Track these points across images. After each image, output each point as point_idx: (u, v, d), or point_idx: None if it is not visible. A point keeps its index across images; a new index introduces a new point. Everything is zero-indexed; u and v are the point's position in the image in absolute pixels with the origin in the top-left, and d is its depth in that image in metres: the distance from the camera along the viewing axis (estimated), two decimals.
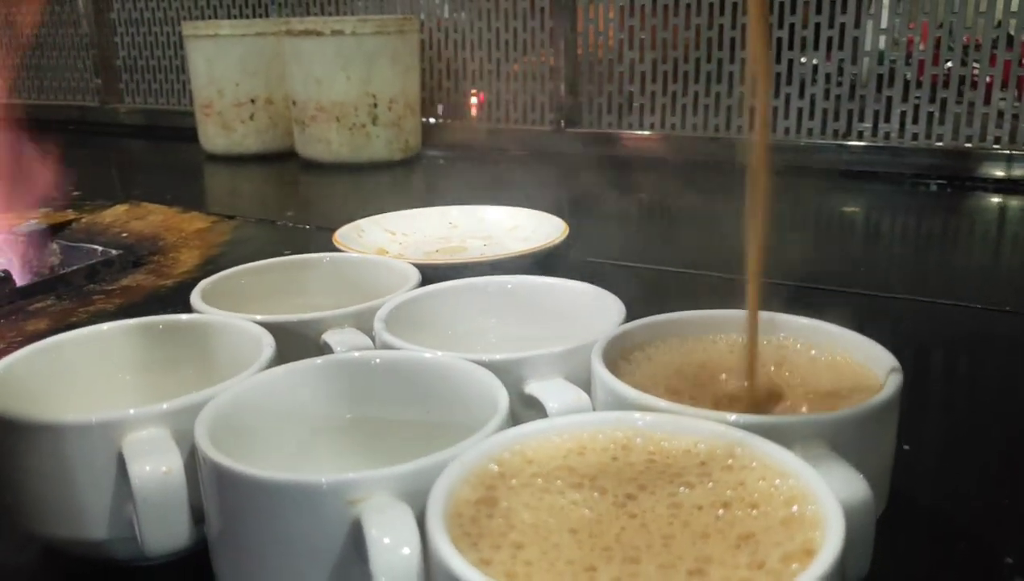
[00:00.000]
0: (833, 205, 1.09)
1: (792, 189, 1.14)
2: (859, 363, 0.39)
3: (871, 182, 1.14)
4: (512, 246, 0.80)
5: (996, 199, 1.05)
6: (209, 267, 0.82)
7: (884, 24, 1.12)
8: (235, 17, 1.63)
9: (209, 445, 0.32)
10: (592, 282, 0.50)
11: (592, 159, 1.31)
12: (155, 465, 0.34)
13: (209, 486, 0.32)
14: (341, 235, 0.79)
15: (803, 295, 0.72)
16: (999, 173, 1.08)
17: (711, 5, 1.21)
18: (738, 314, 0.43)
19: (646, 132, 1.30)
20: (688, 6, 1.22)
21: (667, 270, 0.80)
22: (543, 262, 0.74)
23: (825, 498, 0.27)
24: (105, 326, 0.44)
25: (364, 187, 1.22)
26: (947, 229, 1.00)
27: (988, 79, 1.08)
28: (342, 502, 0.30)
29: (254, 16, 1.61)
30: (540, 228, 0.83)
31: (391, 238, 0.84)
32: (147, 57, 1.77)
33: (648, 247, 0.92)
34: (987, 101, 1.08)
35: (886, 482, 0.36)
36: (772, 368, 0.40)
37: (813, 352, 0.41)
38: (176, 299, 0.74)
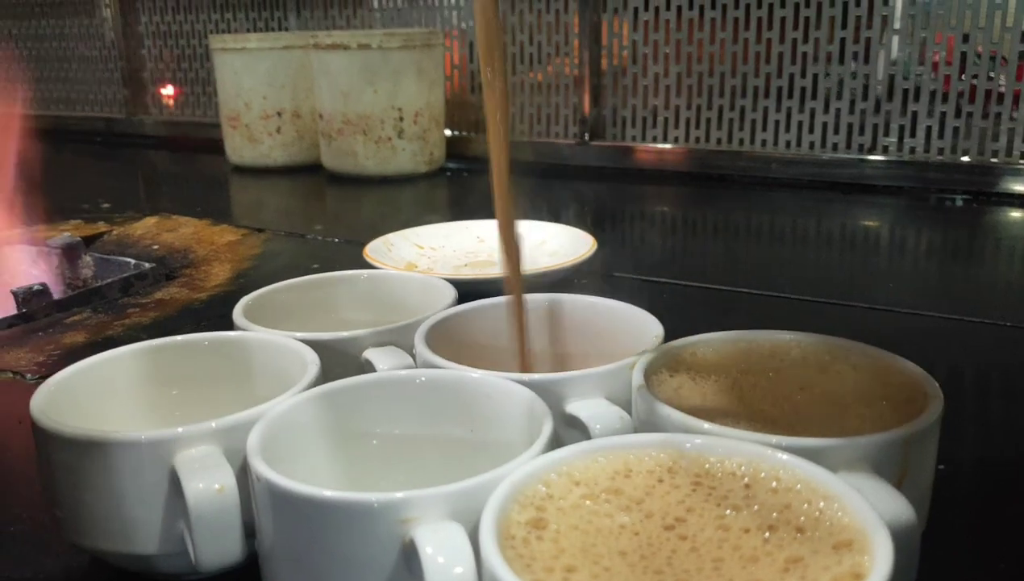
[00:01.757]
0: (857, 220, 1.10)
1: (816, 203, 1.15)
2: (894, 382, 0.39)
3: (896, 197, 1.14)
4: (540, 261, 0.81)
5: (1022, 214, 1.05)
6: (241, 280, 0.83)
7: (909, 39, 1.13)
8: (260, 30, 1.65)
9: (262, 463, 0.33)
10: (620, 297, 0.51)
11: (616, 172, 1.32)
12: (208, 483, 0.35)
13: (262, 503, 0.33)
14: (371, 249, 0.80)
15: (829, 311, 0.72)
16: None
17: (736, 19, 1.21)
18: (781, 334, 0.44)
19: (670, 145, 1.30)
20: (713, 20, 1.23)
21: (696, 286, 0.80)
22: (572, 277, 0.74)
23: (872, 521, 0.28)
24: (154, 342, 0.45)
25: (390, 200, 1.23)
26: (973, 245, 1.00)
27: (1014, 93, 1.08)
28: (394, 520, 0.30)
29: (280, 29, 1.63)
30: (568, 242, 0.83)
31: (420, 252, 0.85)
32: (174, 69, 1.79)
33: (676, 262, 0.92)
34: (1013, 116, 1.08)
35: (926, 504, 0.37)
36: (803, 387, 0.41)
37: (848, 370, 0.41)
38: (210, 312, 0.75)
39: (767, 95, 1.22)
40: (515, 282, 0.46)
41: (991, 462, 0.49)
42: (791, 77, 1.20)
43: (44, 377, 0.42)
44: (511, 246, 0.45)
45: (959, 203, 1.10)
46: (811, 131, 1.20)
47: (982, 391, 0.60)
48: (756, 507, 0.30)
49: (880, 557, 0.26)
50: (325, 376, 0.42)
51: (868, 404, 0.39)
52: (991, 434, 0.53)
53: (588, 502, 0.31)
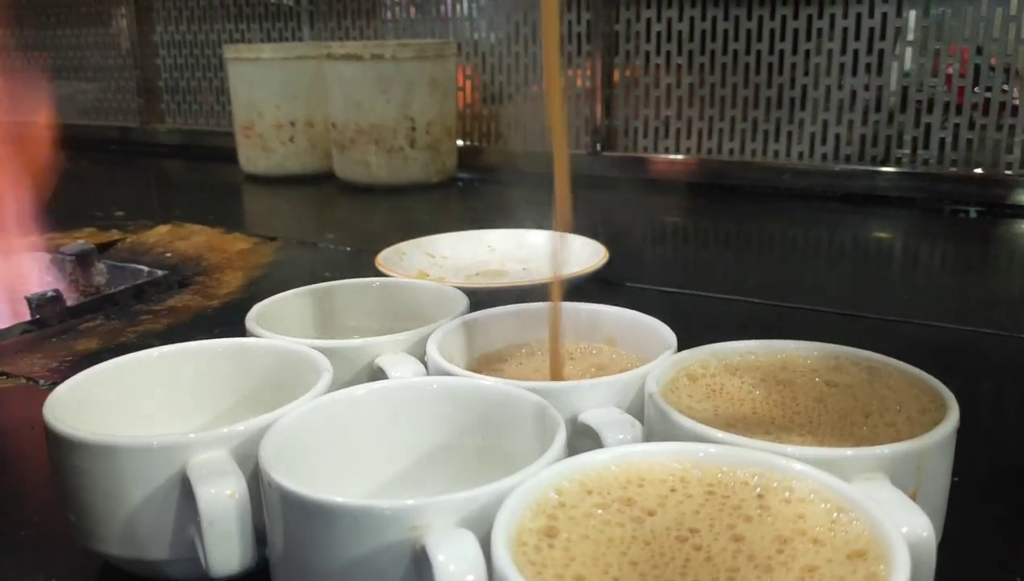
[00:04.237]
0: (870, 231, 1.09)
1: (829, 215, 1.14)
2: (909, 393, 0.39)
3: (909, 209, 1.13)
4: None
5: None
6: (253, 288, 0.83)
7: (923, 51, 1.12)
8: (274, 40, 1.66)
9: (275, 469, 0.33)
10: (633, 306, 0.51)
11: (628, 183, 1.32)
12: (220, 488, 0.35)
13: (274, 509, 0.33)
14: (383, 258, 0.80)
15: (842, 322, 0.72)
16: None
17: (748, 31, 1.21)
18: (795, 344, 0.44)
19: (682, 156, 1.30)
20: (725, 31, 1.23)
21: (709, 296, 0.80)
22: (583, 286, 0.74)
23: (888, 531, 0.28)
24: (167, 348, 0.45)
25: (402, 209, 1.23)
26: (987, 257, 0.99)
27: None
28: (406, 527, 0.30)
29: (293, 39, 1.64)
30: (579, 252, 0.83)
31: (431, 261, 0.85)
32: (188, 79, 1.80)
33: (688, 272, 0.92)
34: None
35: (941, 515, 0.36)
36: (816, 398, 0.41)
37: (862, 381, 0.41)
38: (223, 320, 0.75)
39: (779, 106, 1.22)
40: (557, 288, 0.46)
41: (1007, 474, 0.49)
42: (804, 88, 1.20)
43: (57, 383, 0.42)
44: (560, 253, 0.46)
45: (973, 215, 1.09)
46: (823, 142, 1.20)
47: (998, 403, 0.60)
48: (770, 517, 0.30)
49: (897, 565, 0.26)
50: (337, 383, 0.42)
51: (882, 415, 0.38)
52: (1007, 446, 0.52)
53: (600, 511, 0.31)
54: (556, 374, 0.46)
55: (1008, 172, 1.10)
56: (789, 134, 1.22)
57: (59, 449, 0.38)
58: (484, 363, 0.48)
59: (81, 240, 0.97)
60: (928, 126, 1.13)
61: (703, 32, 1.25)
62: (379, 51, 1.27)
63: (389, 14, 1.54)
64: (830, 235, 1.09)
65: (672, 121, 1.30)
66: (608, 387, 0.41)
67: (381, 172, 1.31)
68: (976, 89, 1.10)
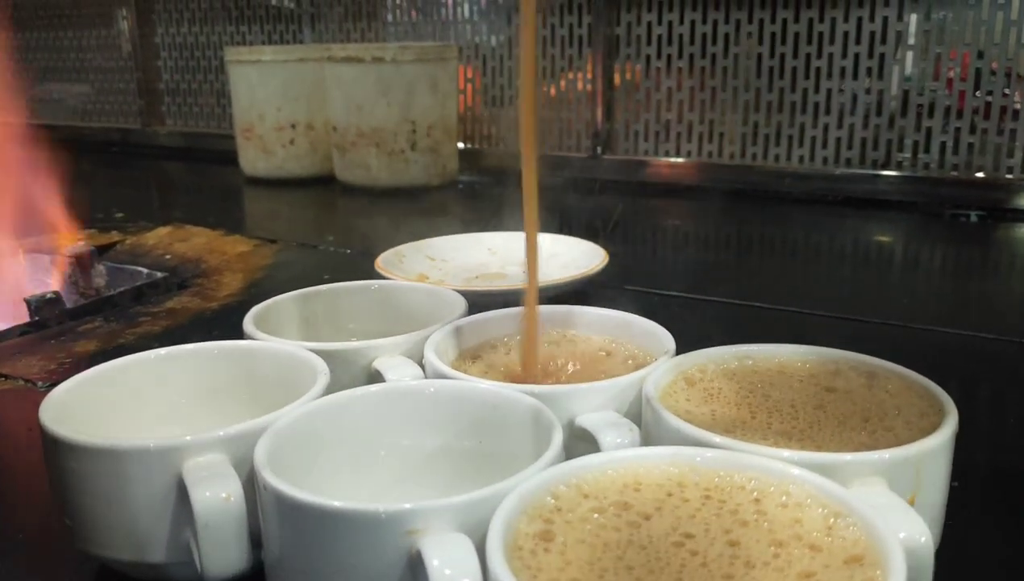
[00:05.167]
0: (871, 235, 1.09)
1: (829, 219, 1.14)
2: (908, 397, 0.39)
3: (910, 213, 1.13)
4: (552, 273, 0.81)
5: None
6: (253, 290, 0.83)
7: (924, 55, 1.12)
8: (275, 43, 1.66)
9: (270, 472, 0.33)
10: (632, 310, 0.50)
11: (628, 186, 1.32)
12: (216, 491, 0.34)
13: (269, 513, 0.33)
14: (383, 261, 0.80)
15: (842, 326, 0.72)
16: None
17: (749, 33, 1.21)
18: (793, 348, 0.44)
19: (682, 159, 1.30)
20: (727, 35, 1.23)
21: (708, 299, 0.80)
22: (583, 290, 0.74)
23: (885, 537, 0.28)
24: (163, 351, 0.45)
25: (402, 212, 1.23)
26: (987, 261, 0.99)
27: None
28: (401, 531, 0.30)
29: (294, 42, 1.64)
30: (579, 255, 0.83)
31: (431, 264, 0.85)
32: (189, 81, 1.80)
33: (687, 275, 0.92)
34: None
35: (939, 521, 0.36)
36: (814, 402, 0.40)
37: (860, 385, 0.41)
38: (222, 322, 0.75)
39: (780, 110, 1.22)
40: (532, 293, 0.46)
41: (1006, 479, 0.48)
42: (804, 92, 1.19)
43: (55, 385, 0.42)
44: (533, 257, 0.45)
45: (973, 219, 1.09)
46: (824, 146, 1.20)
47: (997, 408, 0.59)
48: (767, 522, 0.30)
49: (894, 571, 0.26)
50: (335, 386, 0.42)
51: (881, 419, 0.38)
52: (1006, 451, 0.52)
53: (596, 515, 0.31)
54: (530, 373, 0.46)
55: (1009, 176, 1.09)
56: (790, 138, 1.22)
57: (54, 452, 0.38)
58: (481, 366, 0.48)
59: (81, 241, 0.97)
60: (929, 130, 1.13)
61: (704, 35, 1.25)
62: (380, 54, 1.27)
63: (390, 16, 1.54)
64: (830, 239, 1.09)
65: (673, 125, 1.30)
66: (605, 391, 0.40)
67: (382, 175, 1.31)
68: (977, 93, 1.10)
